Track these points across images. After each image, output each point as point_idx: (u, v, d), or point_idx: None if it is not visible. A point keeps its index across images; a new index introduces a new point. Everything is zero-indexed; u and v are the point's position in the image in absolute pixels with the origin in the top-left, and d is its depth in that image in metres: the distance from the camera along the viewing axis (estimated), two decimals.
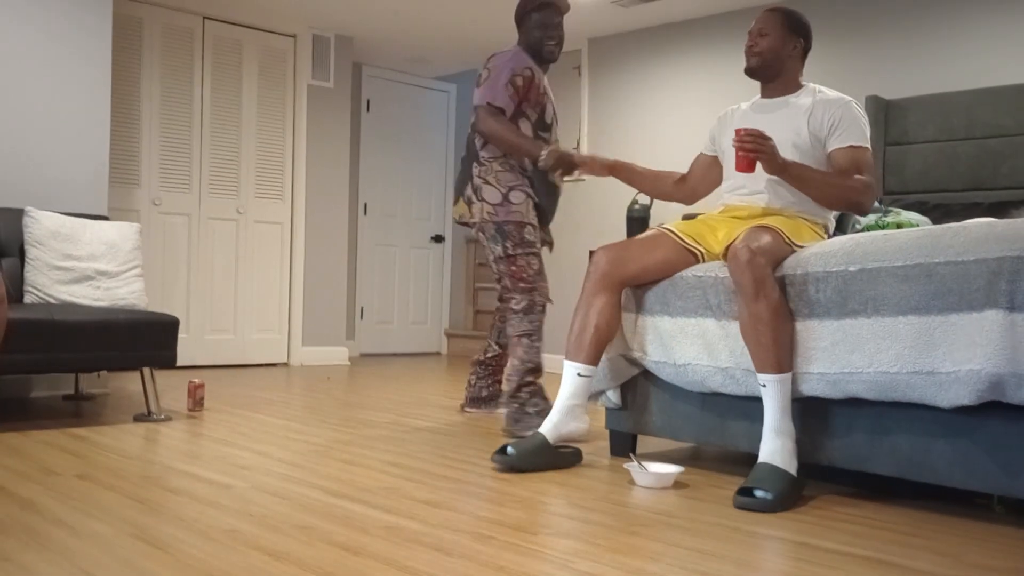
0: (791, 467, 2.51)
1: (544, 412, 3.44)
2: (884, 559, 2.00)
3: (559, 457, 2.90)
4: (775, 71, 2.97)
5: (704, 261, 2.91)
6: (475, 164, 3.71)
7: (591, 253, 3.04)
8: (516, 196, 3.64)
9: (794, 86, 2.99)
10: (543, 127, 3.71)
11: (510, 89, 3.60)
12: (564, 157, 3.44)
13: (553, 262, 6.47)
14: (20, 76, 4.24)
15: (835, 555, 2.02)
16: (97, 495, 2.36)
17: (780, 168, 2.74)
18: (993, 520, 2.40)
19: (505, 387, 3.68)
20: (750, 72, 3.00)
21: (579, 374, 2.88)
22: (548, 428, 2.89)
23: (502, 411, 3.83)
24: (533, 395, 3.58)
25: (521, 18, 3.77)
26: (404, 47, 6.75)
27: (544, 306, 3.67)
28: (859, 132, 2.86)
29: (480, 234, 3.72)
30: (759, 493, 2.43)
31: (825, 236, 2.92)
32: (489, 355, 4.06)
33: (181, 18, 5.71)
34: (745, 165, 2.72)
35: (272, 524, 2.13)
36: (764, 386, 2.55)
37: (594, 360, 2.89)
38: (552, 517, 2.27)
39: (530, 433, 3.13)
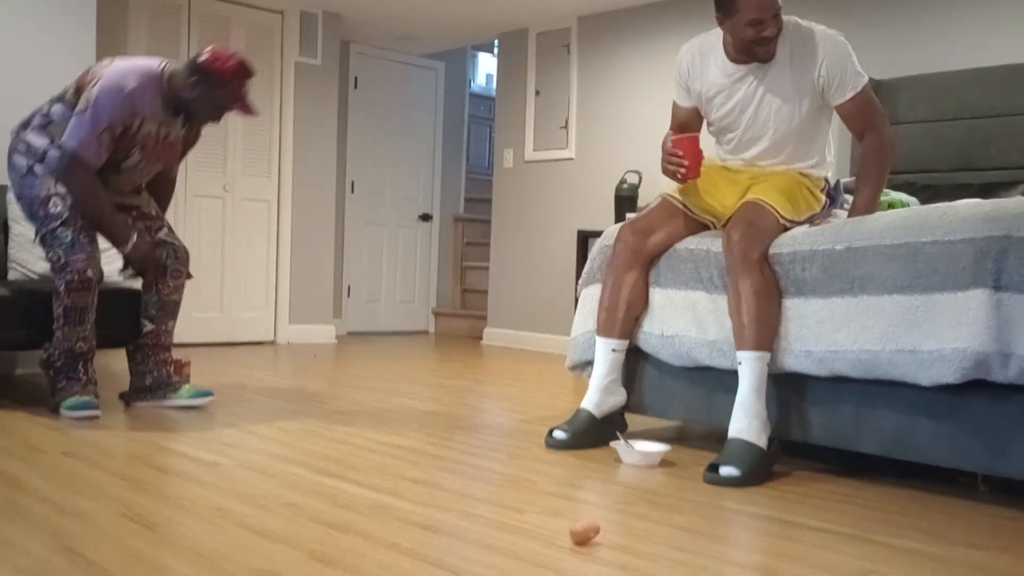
0: (761, 441, 2.55)
1: (73, 385, 3.17)
2: (868, 537, 2.01)
3: (605, 429, 2.91)
4: None
5: (718, 228, 2.93)
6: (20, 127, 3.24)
7: (612, 233, 3.01)
8: (40, 168, 3.16)
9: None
10: (117, 170, 3.22)
11: (106, 139, 3.08)
12: (147, 262, 3.22)
13: (541, 242, 6.47)
14: (2, 53, 4.18)
15: (820, 533, 2.03)
16: (82, 472, 2.35)
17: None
18: (977, 499, 2.42)
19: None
20: (766, 61, 2.79)
21: (613, 350, 2.91)
22: (591, 406, 2.91)
23: (177, 402, 3.40)
24: (57, 373, 3.19)
25: (207, 77, 3.11)
26: (392, 24, 6.69)
27: (84, 282, 3.11)
28: (855, 74, 2.76)
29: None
30: (725, 470, 2.47)
31: (822, 195, 2.90)
32: (144, 332, 3.43)
33: None
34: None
35: (259, 502, 2.12)
36: (740, 363, 2.59)
37: (627, 335, 2.92)
38: (539, 495, 2.28)
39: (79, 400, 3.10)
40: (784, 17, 2.76)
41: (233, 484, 2.29)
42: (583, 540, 1.85)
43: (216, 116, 3.25)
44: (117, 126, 3.10)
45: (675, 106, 3.08)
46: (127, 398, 3.46)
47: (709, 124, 3.01)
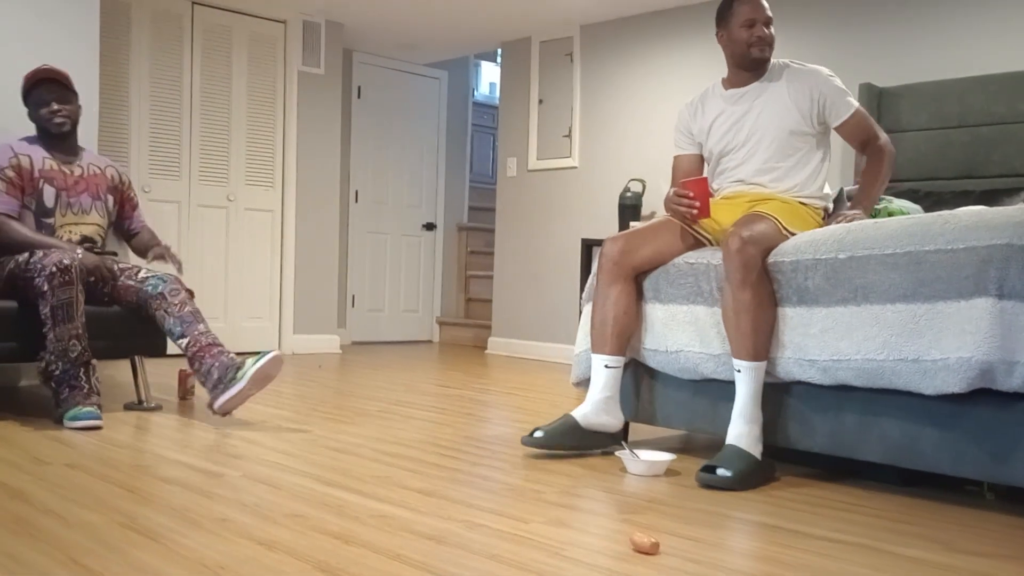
0: (755, 451, 2.57)
1: (75, 395, 3.21)
2: (875, 546, 2.01)
3: (589, 439, 2.89)
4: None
5: (715, 246, 2.93)
6: None
7: (601, 243, 3.04)
8: None
9: (765, 69, 3.01)
10: (44, 212, 3.51)
11: (3, 186, 3.43)
12: (100, 269, 3.39)
13: (545, 251, 6.47)
14: (5, 60, 4.20)
15: (826, 542, 2.02)
16: (87, 484, 2.36)
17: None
18: (984, 507, 2.42)
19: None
20: (760, 63, 2.97)
21: (606, 366, 2.90)
22: (578, 415, 2.90)
23: (250, 374, 3.33)
24: (59, 383, 3.24)
25: (25, 98, 3.61)
26: (395, 33, 6.71)
27: (63, 271, 3.17)
28: (848, 97, 2.95)
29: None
30: (720, 471, 2.48)
31: (822, 221, 2.94)
32: (185, 346, 3.46)
33: (170, 3, 5.66)
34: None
35: (264, 513, 2.12)
36: (739, 371, 2.60)
37: (619, 350, 2.90)
38: (544, 505, 2.28)
39: (85, 407, 3.16)
40: (782, 60, 3.01)
41: (238, 495, 2.29)
42: (645, 550, 1.88)
43: (47, 115, 3.55)
44: (8, 170, 3.45)
45: (676, 160, 3.19)
46: (210, 406, 3.34)
47: (710, 158, 3.10)
